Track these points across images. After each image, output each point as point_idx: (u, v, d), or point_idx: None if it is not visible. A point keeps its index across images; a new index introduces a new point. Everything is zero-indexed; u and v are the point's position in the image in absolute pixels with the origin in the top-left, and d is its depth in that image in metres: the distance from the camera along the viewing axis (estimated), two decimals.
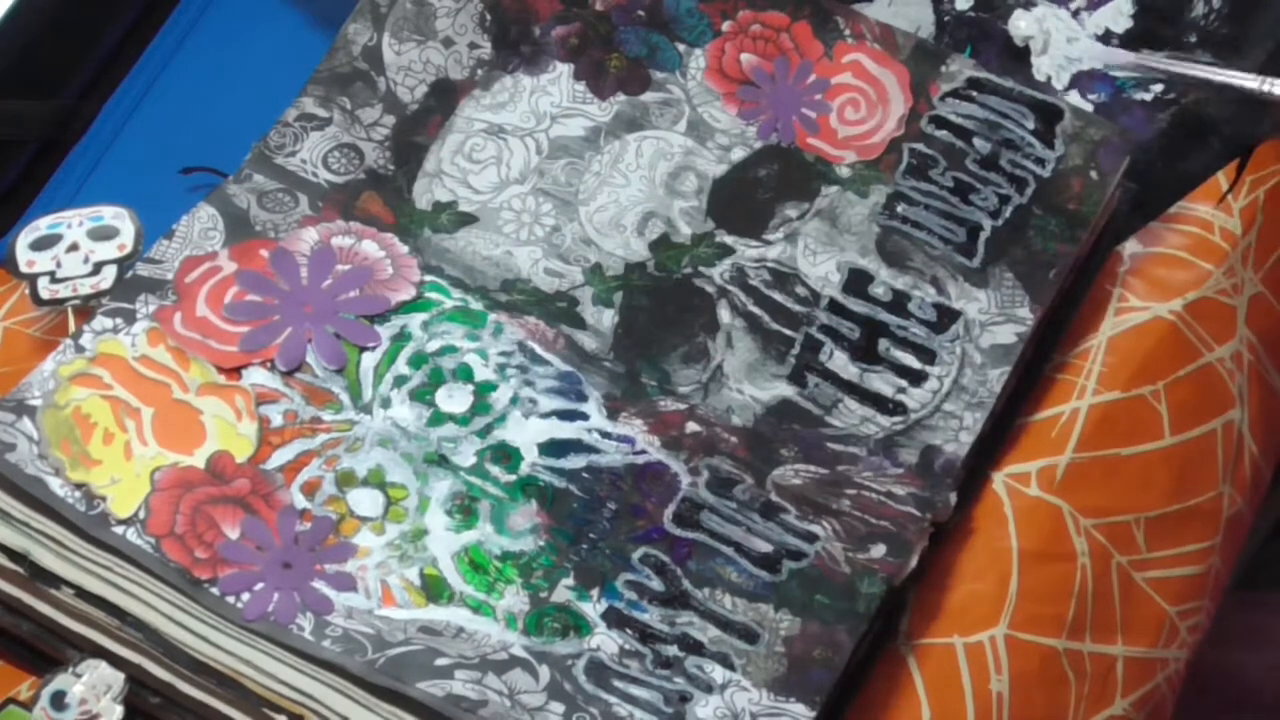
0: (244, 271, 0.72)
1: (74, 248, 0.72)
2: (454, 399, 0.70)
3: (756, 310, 0.73)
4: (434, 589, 0.66)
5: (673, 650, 0.66)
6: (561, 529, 0.68)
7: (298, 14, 0.80)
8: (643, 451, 0.70)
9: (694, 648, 0.66)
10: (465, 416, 0.70)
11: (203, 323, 0.70)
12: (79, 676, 0.65)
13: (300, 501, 0.67)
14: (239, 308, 0.71)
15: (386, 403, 0.70)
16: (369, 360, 0.71)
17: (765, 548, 0.68)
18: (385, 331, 0.71)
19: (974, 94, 0.76)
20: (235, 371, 0.70)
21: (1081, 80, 0.78)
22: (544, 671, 0.65)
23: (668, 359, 0.72)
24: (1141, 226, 0.75)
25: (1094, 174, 0.75)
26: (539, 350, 0.72)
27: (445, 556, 0.67)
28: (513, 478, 0.69)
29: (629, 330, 0.73)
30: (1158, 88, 0.78)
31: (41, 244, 0.72)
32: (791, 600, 0.67)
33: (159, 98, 0.78)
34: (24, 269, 0.72)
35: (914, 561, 0.68)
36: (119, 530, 0.66)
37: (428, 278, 0.73)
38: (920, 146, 0.76)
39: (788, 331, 0.73)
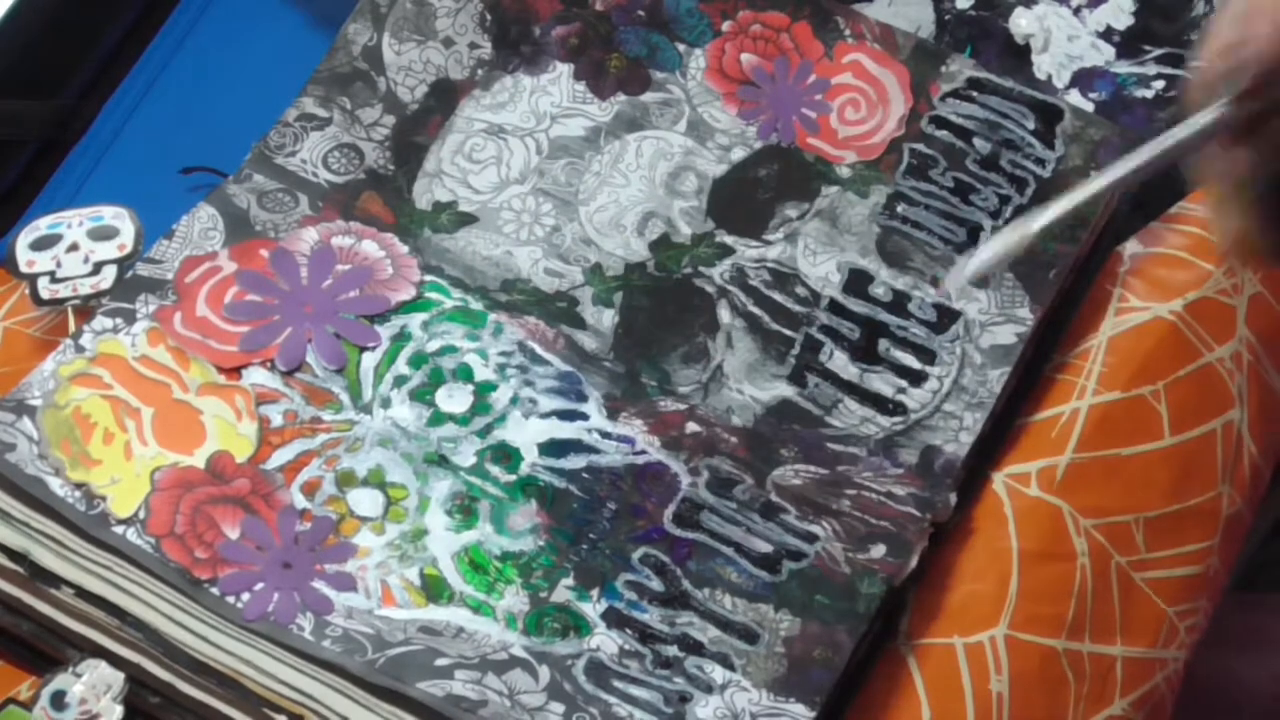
0: (244, 271, 0.72)
1: (74, 248, 0.72)
2: (454, 399, 0.70)
3: (756, 310, 0.73)
4: (434, 589, 0.66)
5: (672, 650, 0.66)
6: (561, 529, 0.68)
7: (298, 14, 0.80)
8: (643, 452, 0.70)
9: (694, 648, 0.66)
10: (465, 416, 0.70)
11: (203, 323, 0.70)
12: (79, 676, 0.65)
13: (300, 501, 0.67)
14: (239, 308, 0.71)
15: (386, 403, 0.70)
16: (369, 360, 0.71)
17: (765, 548, 0.68)
18: (385, 331, 0.71)
19: (974, 94, 0.76)
20: (235, 371, 0.70)
21: (1082, 78, 0.78)
22: (544, 672, 0.65)
23: (668, 359, 0.72)
24: (1141, 226, 0.75)
25: (1094, 174, 0.75)
26: (539, 350, 0.72)
27: (445, 556, 0.67)
28: (513, 478, 0.69)
29: (629, 330, 0.73)
30: (1159, 85, 0.78)
31: (41, 244, 0.72)
32: (791, 600, 0.67)
33: (159, 98, 0.78)
34: (24, 269, 0.72)
35: (914, 561, 0.68)
36: (119, 530, 0.66)
37: (428, 278, 0.73)
38: (920, 147, 0.76)
39: (788, 332, 0.73)
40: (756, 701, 0.65)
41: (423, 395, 0.70)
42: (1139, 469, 0.72)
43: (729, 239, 0.74)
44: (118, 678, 0.65)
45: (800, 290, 0.73)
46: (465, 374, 0.71)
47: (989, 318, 0.73)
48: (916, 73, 0.77)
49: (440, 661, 0.64)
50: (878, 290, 0.74)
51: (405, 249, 0.73)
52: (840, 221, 0.75)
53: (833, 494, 0.69)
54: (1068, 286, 0.74)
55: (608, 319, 0.73)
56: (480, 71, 0.77)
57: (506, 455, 0.69)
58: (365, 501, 0.68)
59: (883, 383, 0.72)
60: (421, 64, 0.76)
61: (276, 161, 0.74)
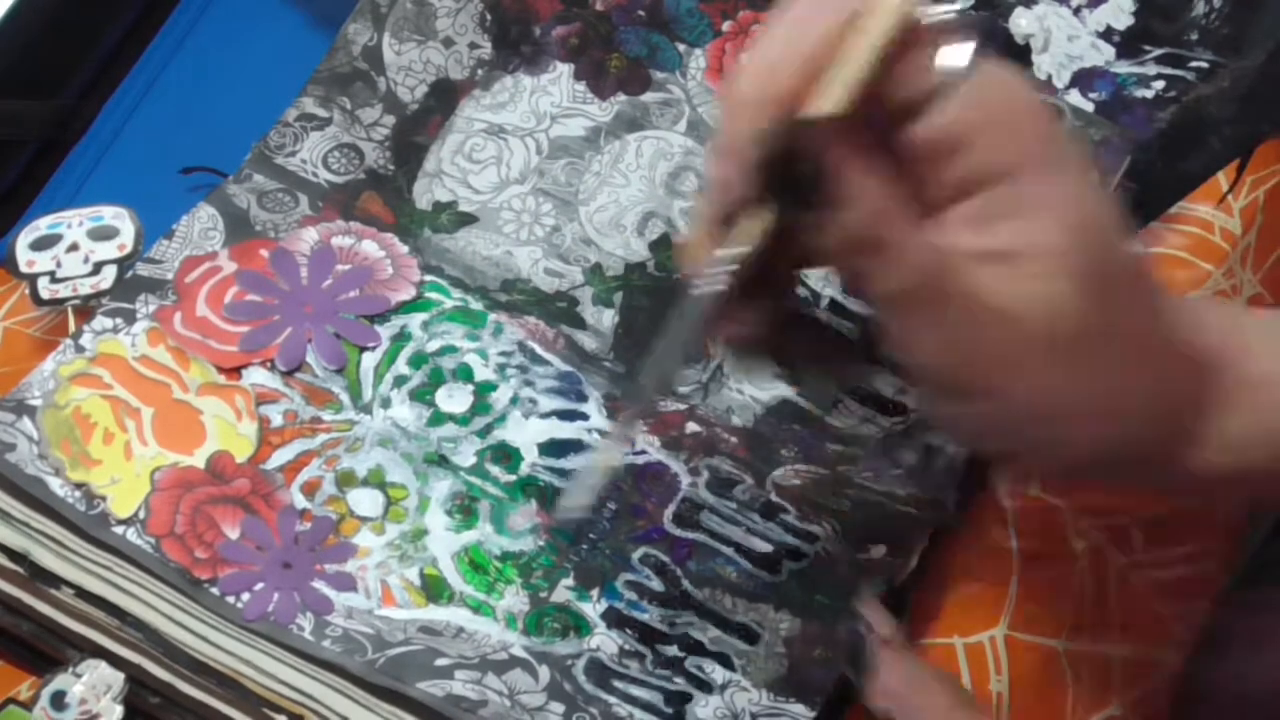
0: (244, 271, 0.72)
1: (74, 248, 0.72)
2: (454, 399, 0.70)
3: None
4: (434, 589, 0.66)
5: (673, 650, 0.66)
6: (561, 529, 0.68)
7: (298, 14, 0.80)
8: (643, 452, 0.70)
9: (694, 648, 0.66)
10: (465, 416, 0.70)
11: (203, 322, 0.70)
12: (79, 676, 0.65)
13: (300, 501, 0.67)
14: (239, 307, 0.71)
15: (386, 403, 0.70)
16: (369, 360, 0.71)
17: (765, 548, 0.68)
18: (385, 331, 0.71)
19: None
20: (235, 371, 0.70)
21: (1082, 78, 0.78)
22: (544, 672, 0.65)
23: None
24: (1142, 226, 0.75)
25: (1094, 174, 0.75)
26: (539, 350, 0.72)
27: (445, 556, 0.67)
28: (513, 478, 0.69)
29: (629, 330, 0.73)
30: (1159, 85, 0.77)
31: (41, 244, 0.72)
32: (791, 600, 0.67)
33: (159, 98, 0.78)
34: (24, 269, 0.72)
35: (914, 561, 0.68)
36: (119, 530, 0.66)
37: (428, 278, 0.73)
38: None
39: None
40: (757, 702, 0.65)
41: (423, 395, 0.70)
42: None
43: None
44: (117, 678, 0.65)
45: (800, 290, 0.73)
46: (465, 374, 0.71)
47: None
48: None
49: (440, 661, 0.64)
50: None
51: (405, 249, 0.73)
52: None
53: (833, 494, 0.69)
54: None
55: (608, 319, 0.73)
56: (480, 71, 0.77)
57: (506, 455, 0.69)
58: (365, 501, 0.68)
59: (883, 382, 0.72)
60: (421, 64, 0.76)
61: (276, 161, 0.74)
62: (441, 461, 0.69)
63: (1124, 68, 0.78)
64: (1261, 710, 0.68)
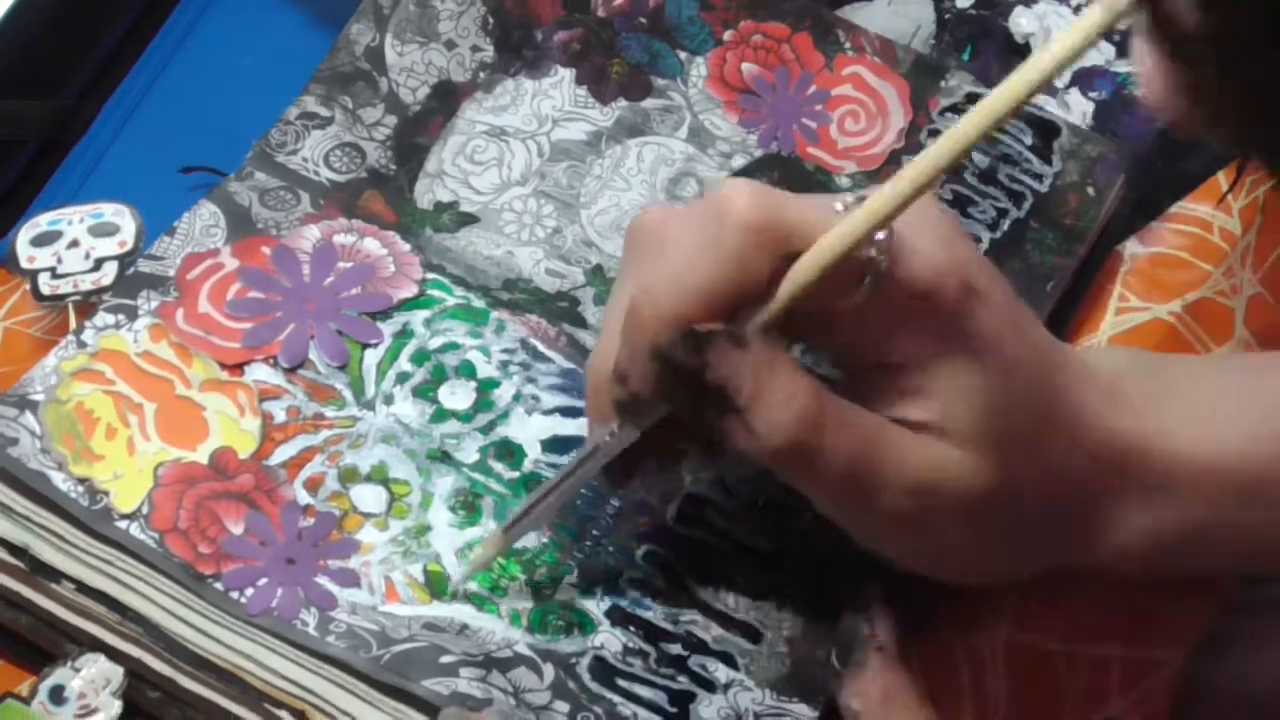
0: (246, 268, 0.71)
1: (75, 244, 0.72)
2: (456, 396, 0.70)
3: None
4: (438, 585, 0.66)
5: (676, 648, 0.66)
6: (565, 526, 0.68)
7: (298, 14, 0.80)
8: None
9: (697, 646, 0.66)
10: (468, 413, 0.70)
11: (205, 319, 0.70)
12: (77, 670, 0.64)
13: (303, 497, 0.67)
14: (241, 304, 0.71)
15: (389, 399, 0.70)
16: (371, 357, 0.70)
17: (768, 546, 0.68)
18: (388, 328, 0.71)
19: (972, 109, 0.77)
20: (238, 368, 0.69)
21: (1082, 78, 0.79)
22: (548, 670, 0.65)
23: None
24: (1142, 226, 0.75)
25: (1090, 189, 0.75)
26: (541, 348, 0.72)
27: (449, 553, 0.67)
28: (516, 474, 0.69)
29: None
30: None
31: (42, 240, 0.72)
32: (794, 599, 0.67)
33: (159, 98, 0.78)
34: (25, 265, 0.71)
35: None
36: (122, 525, 0.65)
37: (430, 275, 0.73)
38: None
39: None
40: (760, 701, 0.65)
41: (425, 392, 0.70)
42: None
43: None
44: (117, 672, 0.64)
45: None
46: (468, 371, 0.71)
47: None
48: (916, 86, 0.77)
49: (445, 659, 0.64)
50: None
51: (407, 247, 0.73)
52: None
53: None
54: (1068, 287, 0.74)
55: None
56: (482, 74, 0.77)
57: (509, 452, 0.69)
58: (368, 497, 0.68)
59: None
60: (424, 65, 0.77)
61: (278, 159, 0.74)
62: (444, 458, 0.69)
63: (1124, 67, 0.79)
64: (1261, 710, 0.69)
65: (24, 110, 0.77)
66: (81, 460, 0.66)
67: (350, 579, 0.66)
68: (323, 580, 0.65)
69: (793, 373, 0.58)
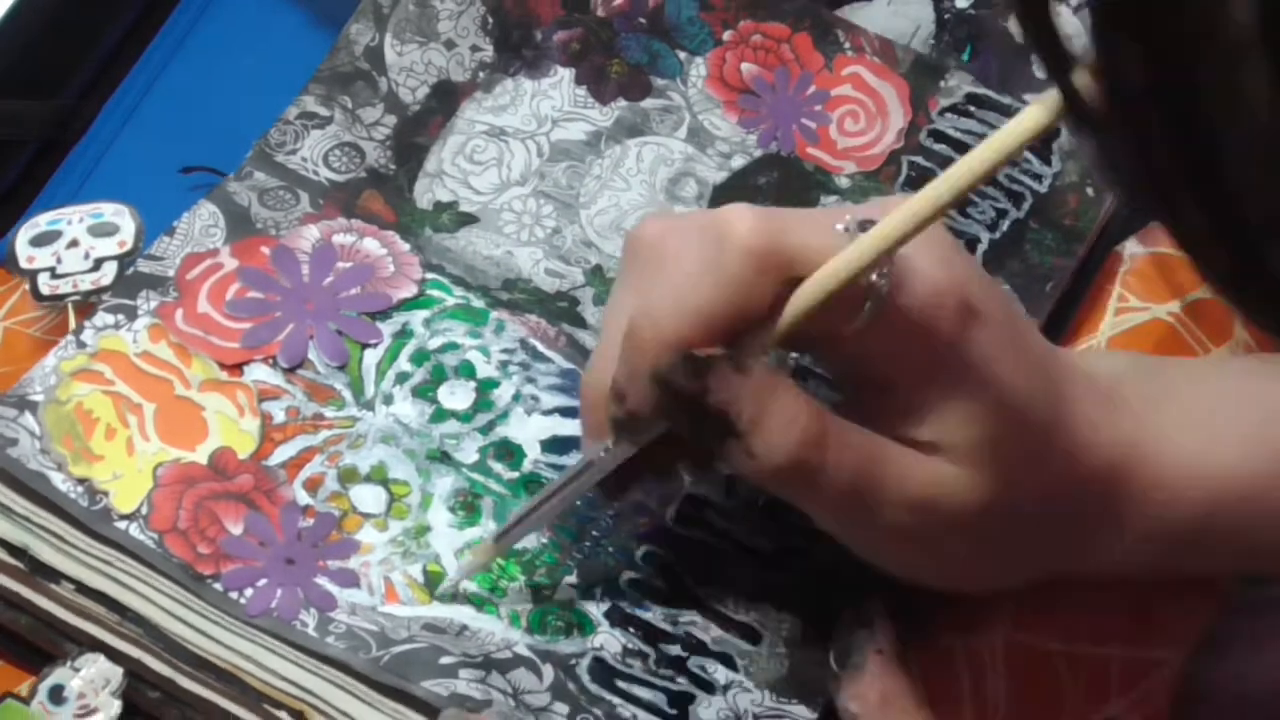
0: (245, 268, 0.71)
1: (74, 244, 0.72)
2: (456, 396, 0.70)
3: None
4: (437, 586, 0.66)
5: (675, 649, 0.66)
6: (564, 526, 0.68)
7: (298, 14, 0.80)
8: None
9: (697, 647, 0.66)
10: (467, 413, 0.70)
11: (204, 319, 0.70)
12: (77, 670, 0.64)
13: (303, 498, 0.67)
14: (241, 304, 0.71)
15: (389, 399, 0.70)
16: (371, 357, 0.70)
17: (768, 546, 0.68)
18: (387, 328, 0.71)
19: (972, 109, 0.77)
20: (237, 368, 0.69)
21: None
22: (548, 671, 0.65)
23: None
24: (1142, 226, 0.75)
25: (1090, 190, 0.75)
26: (541, 348, 0.72)
27: (448, 553, 0.67)
28: (515, 475, 0.69)
29: None
30: None
31: (42, 240, 0.72)
32: (793, 600, 0.67)
33: (159, 98, 0.78)
34: (24, 265, 0.71)
35: None
36: (122, 525, 0.65)
37: (429, 275, 0.73)
38: (919, 159, 0.76)
39: None
40: (759, 702, 0.65)
41: (425, 392, 0.70)
42: None
43: None
44: (116, 672, 0.64)
45: None
46: (467, 371, 0.71)
47: None
48: (916, 87, 0.77)
49: (445, 660, 0.64)
50: None
51: (406, 247, 0.73)
52: None
53: None
54: (1067, 287, 0.74)
55: None
56: (482, 74, 0.77)
57: (509, 452, 0.69)
58: (368, 498, 0.68)
59: None
60: (423, 65, 0.77)
61: (277, 159, 0.74)
62: (444, 458, 0.69)
63: None
64: (1261, 710, 0.69)
65: (24, 110, 0.77)
66: (81, 461, 0.66)
67: (350, 579, 0.66)
68: (322, 581, 0.65)
69: (794, 397, 0.59)
